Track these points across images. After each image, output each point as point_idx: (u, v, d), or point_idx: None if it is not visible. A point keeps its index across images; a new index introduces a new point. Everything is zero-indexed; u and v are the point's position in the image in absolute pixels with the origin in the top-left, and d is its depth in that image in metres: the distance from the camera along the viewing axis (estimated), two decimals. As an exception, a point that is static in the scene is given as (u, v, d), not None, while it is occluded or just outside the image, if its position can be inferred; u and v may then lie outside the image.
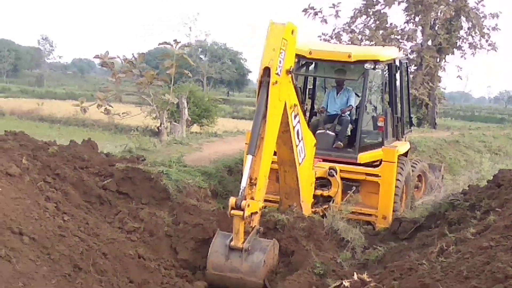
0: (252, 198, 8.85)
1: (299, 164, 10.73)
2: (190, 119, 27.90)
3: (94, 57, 22.33)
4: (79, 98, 23.52)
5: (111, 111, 21.25)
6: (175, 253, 9.52)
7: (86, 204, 9.37)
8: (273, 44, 9.51)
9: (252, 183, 8.96)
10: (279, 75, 9.39)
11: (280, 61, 9.47)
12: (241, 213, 8.58)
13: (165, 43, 21.31)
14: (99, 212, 9.48)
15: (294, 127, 10.40)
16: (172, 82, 23.54)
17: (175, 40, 21.04)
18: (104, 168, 10.64)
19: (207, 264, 9.07)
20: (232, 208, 8.64)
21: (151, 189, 10.71)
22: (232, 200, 8.68)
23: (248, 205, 8.60)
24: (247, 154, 9.09)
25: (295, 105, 10.33)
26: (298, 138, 10.59)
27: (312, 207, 11.62)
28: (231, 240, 8.86)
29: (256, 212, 8.97)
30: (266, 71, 9.33)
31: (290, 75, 9.91)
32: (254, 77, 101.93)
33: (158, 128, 25.81)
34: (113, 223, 9.33)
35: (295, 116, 10.37)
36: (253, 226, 9.01)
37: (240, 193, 8.74)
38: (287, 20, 9.78)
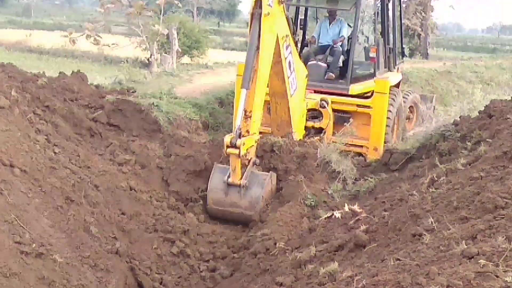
0: (247, 131, 8.93)
1: (291, 95, 10.69)
2: (180, 50, 27.66)
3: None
4: (67, 29, 23.29)
5: (100, 42, 21.06)
6: (166, 185, 9.55)
7: (77, 136, 9.35)
8: None
9: (247, 116, 9.00)
10: (271, 6, 9.28)
11: None
12: (237, 151, 8.68)
13: (154, -27, 20.98)
14: (89, 144, 9.47)
15: (286, 58, 10.33)
16: (161, 13, 23.30)
17: (164, -31, 20.74)
18: (94, 100, 10.58)
19: (207, 198, 9.29)
20: (228, 147, 8.72)
21: (142, 121, 10.70)
22: (227, 138, 8.74)
23: (244, 143, 8.69)
24: (241, 88, 9.03)
25: (286, 36, 10.24)
26: (290, 69, 10.53)
27: (303, 139, 11.63)
28: (229, 176, 9.02)
29: (252, 146, 9.06)
30: (258, 3, 9.21)
31: (282, 5, 9.81)
32: (244, 7, 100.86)
33: (148, 59, 25.66)
34: (104, 155, 9.33)
35: (286, 47, 10.30)
36: (249, 158, 9.12)
37: (235, 131, 8.77)
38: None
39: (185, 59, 30.87)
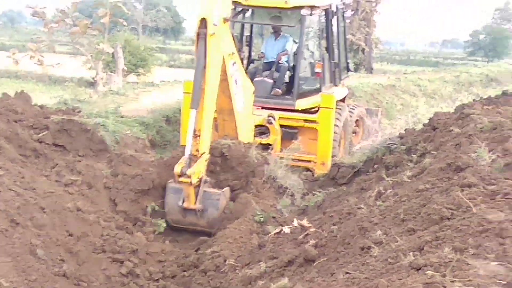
0: (197, 150, 8.98)
1: (238, 112, 10.71)
2: (126, 68, 27.48)
3: (25, 7, 21.77)
4: (10, 49, 22.94)
5: (44, 62, 20.81)
6: (114, 205, 9.46)
7: (21, 157, 9.19)
8: None
9: (196, 135, 9.01)
10: (216, 25, 9.28)
11: (216, 11, 9.36)
12: (189, 180, 8.80)
13: (99, -9, 20.85)
14: (35, 166, 9.32)
15: (232, 76, 10.35)
16: (106, 31, 23.13)
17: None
18: (38, 120, 10.42)
19: (166, 217, 9.52)
20: (179, 176, 8.84)
21: (88, 141, 10.57)
22: (177, 168, 8.85)
23: (194, 172, 8.82)
24: (190, 108, 9.05)
25: (232, 53, 10.26)
26: (236, 86, 10.55)
27: None
28: (184, 201, 9.23)
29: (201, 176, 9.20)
30: (203, 22, 9.20)
31: (227, 23, 9.83)
32: (189, 25, 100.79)
33: (93, 78, 25.43)
34: (50, 176, 9.18)
35: (233, 64, 10.32)
36: (200, 178, 9.20)
37: (185, 160, 8.87)
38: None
39: (131, 78, 30.69)
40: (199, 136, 9.05)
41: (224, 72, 10.01)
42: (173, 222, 9.47)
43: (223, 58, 9.83)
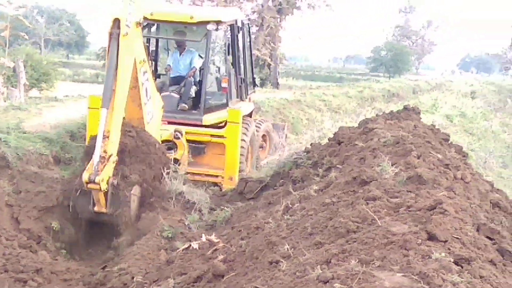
0: (105, 151, 8.90)
1: (147, 122, 10.61)
2: (28, 83, 26.83)
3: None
4: None
5: None
6: (17, 223, 9.19)
7: None
8: None
9: (105, 136, 8.94)
10: (129, 26, 9.25)
11: (129, 13, 9.33)
12: (98, 186, 8.75)
13: (-2, 3, 20.35)
14: None
15: (143, 84, 10.26)
16: (7, 45, 22.54)
17: (8, 1, 20.16)
18: None
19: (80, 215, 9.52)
20: (87, 183, 8.77)
21: (-12, 157, 10.26)
22: (85, 176, 8.77)
23: (102, 180, 8.75)
24: (101, 107, 9.03)
25: (144, 61, 10.18)
26: (146, 96, 10.47)
27: None
28: (94, 204, 9.19)
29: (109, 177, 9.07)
30: (116, 23, 9.16)
31: (139, 28, 9.80)
32: (93, 39, 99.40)
33: (-7, 93, 24.71)
34: (-51, 196, 8.87)
35: (144, 73, 10.24)
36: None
37: (93, 166, 8.80)
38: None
39: (34, 92, 29.99)
40: (108, 137, 8.96)
41: (135, 79, 9.94)
42: (88, 219, 9.55)
43: (134, 64, 9.77)
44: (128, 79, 9.52)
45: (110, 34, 9.26)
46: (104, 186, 8.81)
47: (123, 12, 9.23)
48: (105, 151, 8.87)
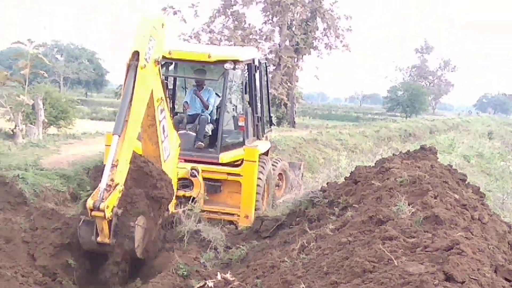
0: (112, 180, 8.66)
1: (164, 161, 10.62)
2: (46, 120, 27.04)
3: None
4: None
5: (-39, 113, 20.29)
6: (33, 259, 9.19)
7: None
8: (143, 31, 9.40)
9: (113, 165, 8.75)
10: (147, 61, 9.27)
11: (149, 48, 9.38)
12: (102, 214, 8.44)
13: (19, 42, 20.62)
14: (-50, 220, 9.03)
15: (160, 122, 10.27)
16: (26, 83, 22.79)
17: (29, 39, 20.41)
18: (-46, 173, 10.15)
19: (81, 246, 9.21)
20: (92, 210, 8.47)
21: (6, 194, 10.32)
22: (89, 203, 8.49)
23: (107, 207, 8.45)
24: (112, 134, 8.89)
25: (162, 99, 10.21)
26: (163, 134, 10.46)
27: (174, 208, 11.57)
28: (97, 235, 8.82)
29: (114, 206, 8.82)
30: (135, 55, 9.17)
31: (158, 66, 9.81)
32: (112, 77, 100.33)
33: (12, 130, 24.90)
34: (-34, 231, 8.91)
35: (161, 111, 10.26)
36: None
37: (99, 194, 8.53)
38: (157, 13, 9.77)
39: (52, 130, 30.21)
40: (116, 166, 8.78)
41: (152, 117, 9.96)
42: (89, 251, 9.22)
43: (152, 102, 9.79)
44: (142, 111, 9.45)
45: (128, 66, 9.24)
46: (108, 214, 8.55)
47: (143, 46, 9.28)
48: (112, 180, 8.70)
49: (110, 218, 8.68)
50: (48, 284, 8.68)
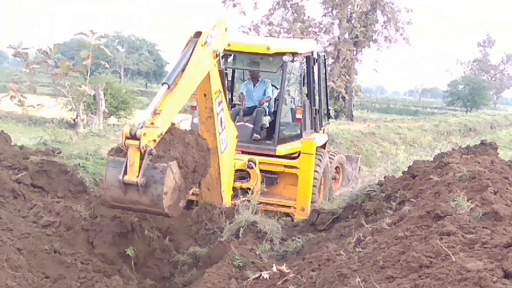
0: (152, 123, 8.16)
1: (221, 152, 10.68)
2: (107, 111, 27.52)
3: (7, 47, 21.78)
4: (-9, 89, 22.86)
5: (25, 103, 20.79)
6: (92, 247, 9.33)
7: (-1, 198, 9.12)
8: (210, 22, 9.57)
9: (156, 113, 8.28)
10: (208, 43, 9.31)
11: (211, 35, 9.46)
12: (137, 142, 7.89)
13: (81, 33, 20.94)
14: (12, 206, 9.22)
15: (218, 114, 10.32)
16: (88, 73, 23.16)
17: (91, 31, 20.72)
18: (18, 161, 10.37)
19: (105, 195, 8.54)
20: (127, 138, 7.98)
21: (67, 182, 10.51)
22: (126, 129, 8.05)
23: (145, 134, 7.90)
24: (162, 84, 8.62)
25: (219, 91, 10.27)
26: (221, 126, 10.51)
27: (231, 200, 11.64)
28: (125, 172, 8.10)
29: (154, 140, 8.19)
30: (198, 34, 9.19)
31: (217, 59, 9.84)
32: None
33: (74, 120, 25.41)
34: (28, 217, 9.09)
35: (219, 103, 10.31)
36: (145, 149, 8.08)
37: (138, 123, 8.08)
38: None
39: (112, 120, 30.70)
40: (158, 114, 8.26)
41: (210, 110, 10.02)
42: (113, 200, 8.38)
43: (210, 94, 9.84)
44: (191, 88, 9.25)
45: (188, 41, 9.17)
46: (144, 142, 7.86)
47: (207, 29, 9.35)
48: (152, 123, 8.15)
49: (145, 149, 7.97)
50: (106, 271, 8.83)
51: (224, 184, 10.98)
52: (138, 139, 7.81)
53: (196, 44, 9.11)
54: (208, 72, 9.75)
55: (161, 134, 8.23)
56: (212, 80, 9.90)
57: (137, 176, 7.92)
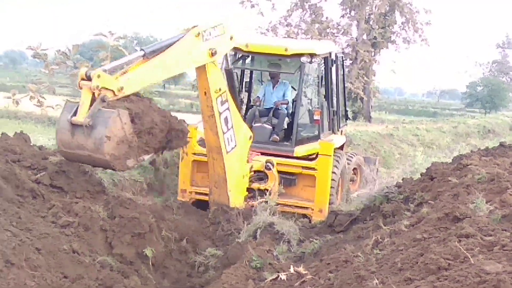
0: (116, 78, 8.35)
1: (227, 152, 10.74)
2: (126, 111, 27.58)
3: (26, 48, 21.89)
4: (10, 90, 23.06)
5: (44, 103, 20.87)
6: (110, 247, 9.38)
7: (19, 198, 9.14)
8: (215, 22, 9.92)
9: (123, 72, 8.51)
10: (203, 35, 9.61)
11: (210, 33, 9.67)
12: (89, 83, 8.05)
13: (100, 34, 21.01)
14: (32, 206, 9.25)
15: (220, 113, 10.42)
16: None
17: (110, 32, 20.78)
18: (37, 161, 10.40)
19: (57, 140, 8.72)
20: (82, 79, 8.12)
21: (86, 182, 10.53)
22: (83, 70, 8.20)
23: (98, 76, 8.05)
24: (143, 57, 8.87)
25: (220, 90, 10.37)
26: (226, 125, 10.61)
27: (247, 200, 11.66)
28: (74, 114, 8.22)
29: (113, 93, 8.31)
30: (193, 27, 9.54)
31: (213, 58, 10.04)
32: (190, 70, 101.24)
33: (92, 120, 25.42)
34: (47, 218, 9.12)
35: (222, 103, 10.40)
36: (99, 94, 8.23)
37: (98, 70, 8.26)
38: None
39: (131, 120, 30.78)
40: (125, 73, 8.49)
41: (211, 108, 10.16)
42: (63, 144, 8.61)
43: (209, 92, 10.13)
44: (172, 69, 9.62)
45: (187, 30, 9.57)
46: (96, 83, 8.00)
47: (205, 25, 9.63)
48: (116, 78, 8.33)
49: (99, 93, 8.12)
50: (124, 272, 8.86)
51: (231, 184, 11.04)
52: (90, 79, 8.00)
53: (186, 34, 9.42)
54: (206, 70, 9.98)
55: (121, 89, 8.34)
56: (210, 78, 10.06)
57: (83, 118, 8.06)
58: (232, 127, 10.73)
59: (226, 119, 10.57)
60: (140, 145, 8.80)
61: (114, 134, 8.26)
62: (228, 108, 10.57)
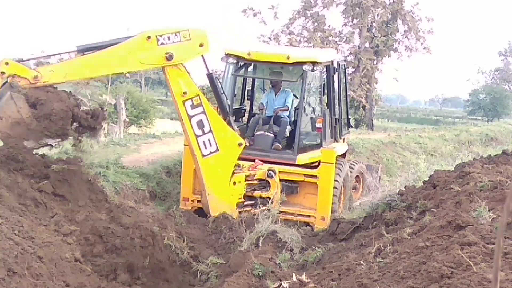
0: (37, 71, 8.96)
1: (203, 156, 10.83)
2: (127, 120, 27.62)
3: (29, 58, 21.91)
4: None
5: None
6: (112, 255, 9.38)
7: (21, 206, 9.15)
8: (178, 28, 10.19)
9: (51, 70, 9.16)
10: (158, 39, 9.92)
11: (169, 37, 9.88)
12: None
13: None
14: (34, 215, 9.26)
15: (191, 117, 10.56)
16: (109, 83, 23.27)
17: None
18: (39, 169, 10.41)
19: None
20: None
21: (88, 191, 10.55)
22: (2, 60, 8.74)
23: (6, 63, 8.73)
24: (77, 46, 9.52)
25: (186, 93, 10.47)
26: (201, 129, 10.71)
27: (248, 208, 11.69)
28: None
29: (28, 81, 8.97)
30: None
31: (169, 61, 10.26)
32: (140, 70, 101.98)
33: (95, 129, 25.43)
34: (49, 226, 9.13)
35: (192, 106, 10.50)
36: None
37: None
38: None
39: (133, 129, 30.82)
40: (53, 70, 9.18)
41: (178, 111, 10.38)
42: None
43: (173, 96, 10.46)
44: (111, 65, 9.94)
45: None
46: (3, 69, 8.83)
47: (161, 30, 10.01)
48: (38, 64, 9.09)
49: (3, 76, 8.81)
50: (127, 280, 8.86)
51: (210, 189, 11.09)
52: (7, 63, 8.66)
53: (138, 35, 9.72)
54: (165, 74, 10.41)
55: (35, 78, 8.95)
56: (171, 81, 10.25)
57: None
58: (210, 131, 10.80)
59: (200, 123, 10.67)
60: (40, 128, 9.36)
61: (8, 115, 8.87)
62: (203, 112, 10.66)
